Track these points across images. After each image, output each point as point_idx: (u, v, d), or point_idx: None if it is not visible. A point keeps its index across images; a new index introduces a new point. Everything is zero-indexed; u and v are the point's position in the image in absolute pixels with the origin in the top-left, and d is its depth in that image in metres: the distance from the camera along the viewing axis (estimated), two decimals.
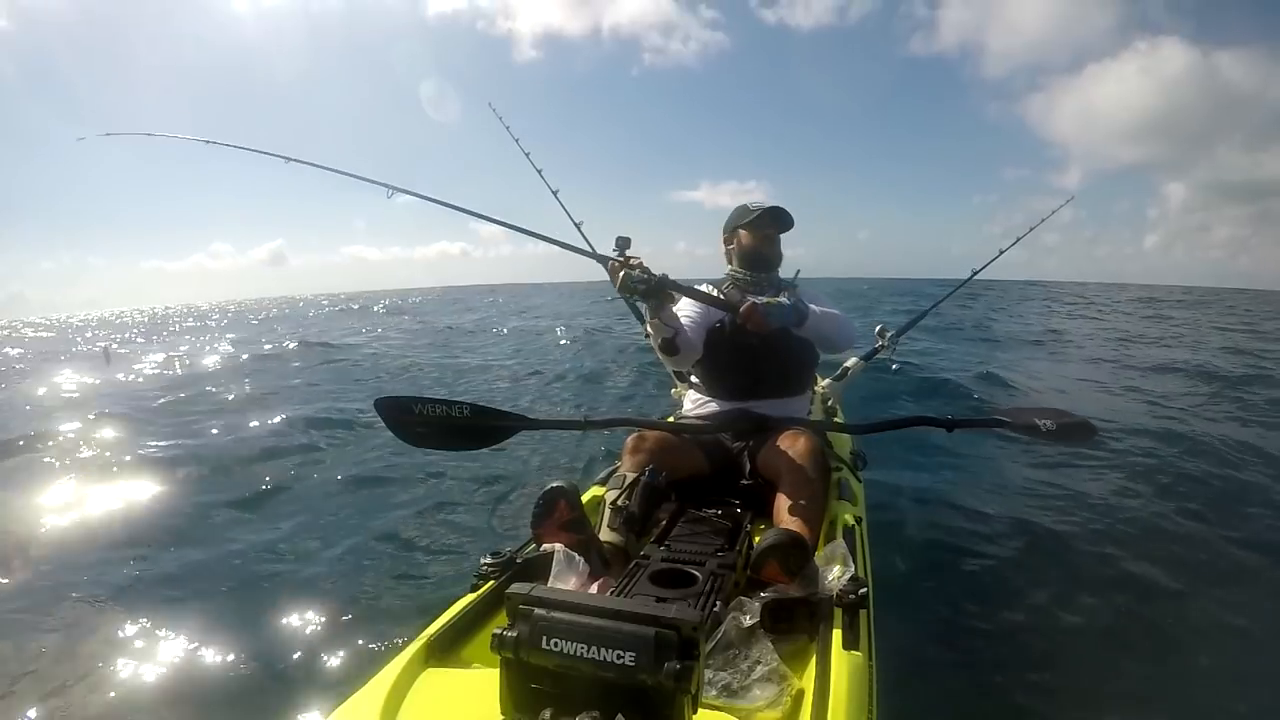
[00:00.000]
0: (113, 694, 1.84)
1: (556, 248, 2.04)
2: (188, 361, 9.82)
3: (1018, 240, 3.46)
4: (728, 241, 2.04)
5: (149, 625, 2.17)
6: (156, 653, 2.02)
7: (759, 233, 1.96)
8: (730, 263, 2.04)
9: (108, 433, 4.92)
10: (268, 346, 11.97)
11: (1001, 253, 3.43)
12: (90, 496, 3.52)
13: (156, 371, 9.11)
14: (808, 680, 1.00)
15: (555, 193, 2.95)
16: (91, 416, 5.36)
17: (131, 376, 8.58)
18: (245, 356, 10.28)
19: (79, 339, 18.19)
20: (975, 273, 3.43)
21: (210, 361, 9.83)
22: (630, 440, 1.72)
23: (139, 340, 16.41)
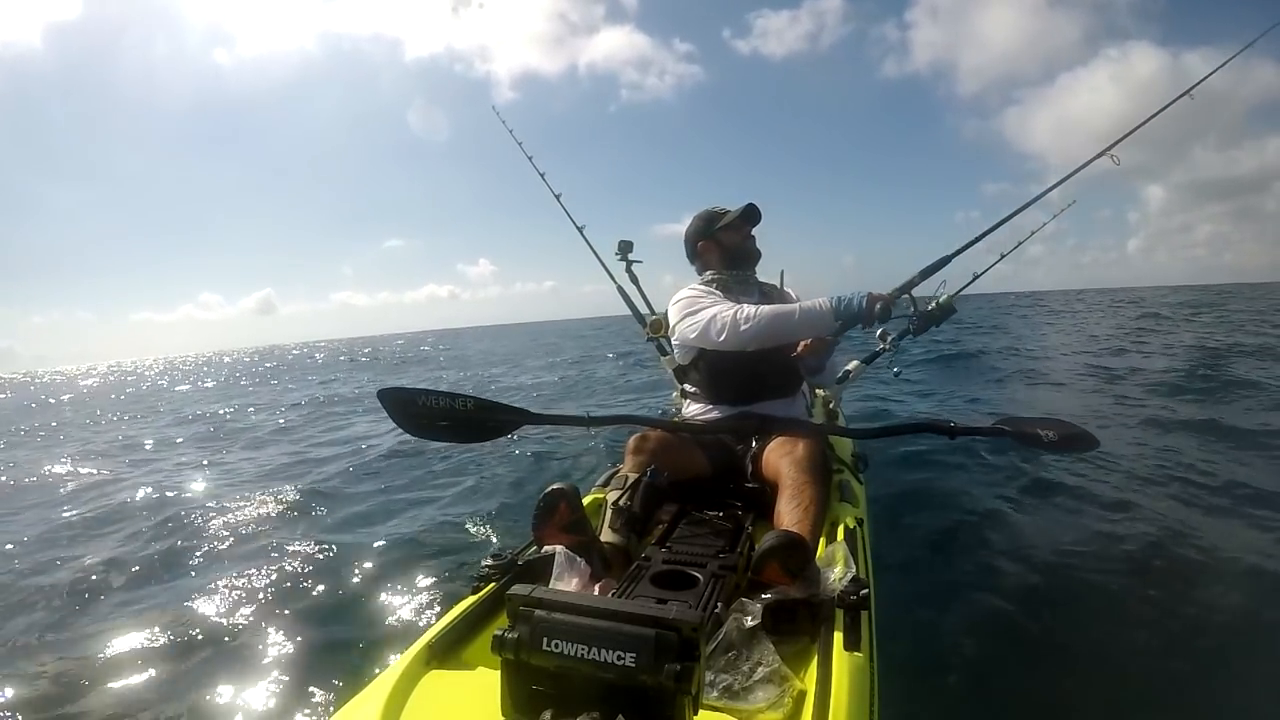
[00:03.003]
0: (107, 695, 1.83)
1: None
2: None
3: (1032, 234, 3.26)
4: (701, 249, 2.08)
5: (146, 627, 2.17)
6: (153, 655, 2.02)
7: (739, 232, 2.03)
8: (707, 268, 2.08)
9: None
10: None
11: (1004, 256, 3.38)
12: None
13: None
14: (809, 681, 1.00)
15: (558, 196, 2.95)
16: None
17: None
18: None
19: None
20: (976, 276, 3.40)
21: None
22: (633, 440, 1.72)
23: None
